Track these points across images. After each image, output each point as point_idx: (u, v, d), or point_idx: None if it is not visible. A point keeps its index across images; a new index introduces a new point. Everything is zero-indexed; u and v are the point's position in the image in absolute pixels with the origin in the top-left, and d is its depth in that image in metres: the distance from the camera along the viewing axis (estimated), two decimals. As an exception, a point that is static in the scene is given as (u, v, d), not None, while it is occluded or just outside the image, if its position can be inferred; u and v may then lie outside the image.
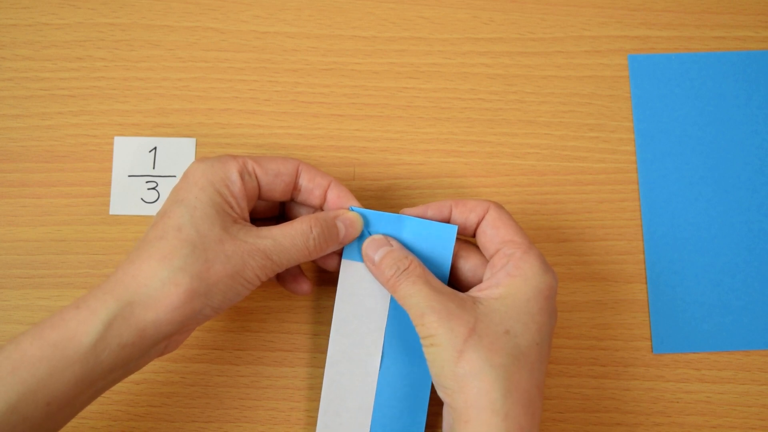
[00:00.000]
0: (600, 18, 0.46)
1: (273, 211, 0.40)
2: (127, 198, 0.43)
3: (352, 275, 0.38)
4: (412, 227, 0.37)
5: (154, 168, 0.43)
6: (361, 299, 0.37)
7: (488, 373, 0.32)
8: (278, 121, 0.44)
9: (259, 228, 0.34)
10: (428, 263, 0.37)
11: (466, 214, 0.37)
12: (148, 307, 0.31)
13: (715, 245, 0.43)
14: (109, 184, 0.43)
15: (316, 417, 0.41)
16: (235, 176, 0.34)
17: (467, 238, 0.39)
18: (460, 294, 0.34)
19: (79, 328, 0.30)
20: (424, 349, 0.34)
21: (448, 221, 0.38)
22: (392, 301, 0.37)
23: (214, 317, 0.34)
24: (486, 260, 0.37)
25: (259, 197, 0.37)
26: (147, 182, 0.43)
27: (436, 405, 0.40)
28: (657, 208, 0.44)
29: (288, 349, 0.41)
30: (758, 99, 0.45)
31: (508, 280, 0.34)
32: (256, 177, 0.36)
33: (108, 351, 0.30)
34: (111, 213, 0.43)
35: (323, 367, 0.41)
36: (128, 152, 0.43)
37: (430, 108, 0.45)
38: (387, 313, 0.37)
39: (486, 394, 0.31)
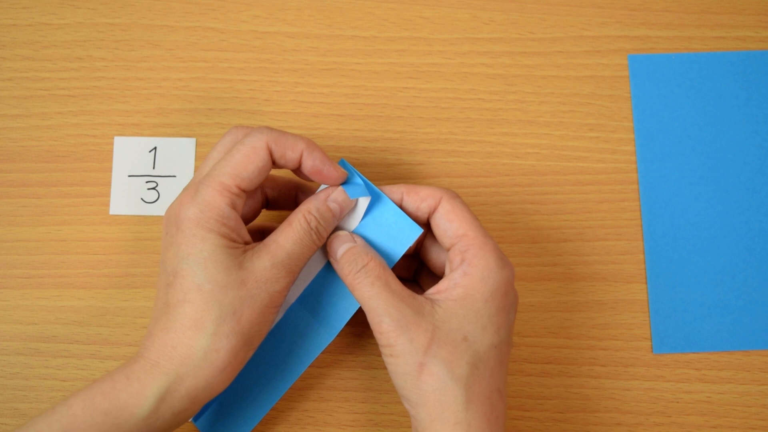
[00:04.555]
0: (600, 18, 0.46)
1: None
2: (127, 198, 0.43)
3: None
4: (385, 208, 0.36)
5: (154, 168, 0.43)
6: None
7: (450, 386, 0.32)
8: (278, 121, 0.44)
9: (267, 244, 0.34)
10: (379, 249, 0.36)
11: (417, 203, 0.36)
12: (197, 377, 0.31)
13: (715, 245, 0.43)
14: (109, 184, 0.43)
15: (316, 417, 0.41)
16: (227, 210, 0.33)
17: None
18: (419, 297, 0.34)
19: (131, 401, 0.31)
20: (384, 358, 0.34)
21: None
22: (321, 272, 0.37)
23: None
24: None
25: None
26: (147, 182, 0.43)
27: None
28: (657, 208, 0.44)
29: (288, 349, 0.41)
30: (758, 99, 0.45)
31: (465, 279, 0.33)
32: (243, 191, 0.34)
33: (161, 420, 0.31)
34: (111, 213, 0.43)
35: (322, 366, 0.41)
36: (128, 152, 0.43)
37: (430, 108, 0.45)
38: (311, 280, 0.37)
39: (448, 408, 0.32)
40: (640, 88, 0.45)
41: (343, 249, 0.35)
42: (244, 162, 0.33)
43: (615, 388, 0.42)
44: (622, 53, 0.46)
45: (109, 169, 0.43)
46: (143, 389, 0.31)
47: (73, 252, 0.42)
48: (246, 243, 0.34)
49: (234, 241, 0.33)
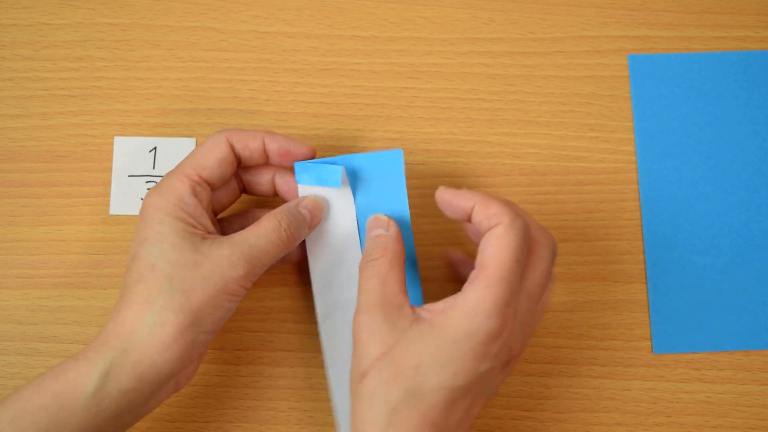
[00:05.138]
0: (600, 18, 0.46)
1: (234, 195, 0.39)
2: (127, 198, 0.43)
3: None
4: (360, 163, 0.37)
5: (154, 168, 0.43)
6: (331, 232, 0.38)
7: (376, 404, 0.31)
8: (278, 121, 0.44)
9: (231, 237, 0.34)
10: (383, 193, 0.37)
11: (481, 219, 0.34)
12: (143, 353, 0.32)
13: (715, 245, 0.43)
14: (109, 184, 0.43)
15: (316, 417, 0.41)
16: (187, 197, 0.34)
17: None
18: (406, 310, 0.33)
19: (78, 379, 0.31)
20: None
21: (468, 215, 0.36)
22: (360, 227, 0.38)
23: (213, 338, 0.35)
24: None
25: (213, 190, 0.36)
26: (147, 182, 0.43)
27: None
28: (657, 208, 0.44)
29: (288, 349, 0.41)
30: (758, 99, 0.45)
31: (453, 311, 0.32)
32: (206, 182, 0.35)
33: (109, 399, 0.31)
34: (111, 213, 0.43)
35: (323, 367, 0.41)
36: (128, 152, 0.43)
37: (430, 108, 0.45)
38: (358, 238, 0.38)
39: (370, 424, 0.31)
40: (640, 88, 0.45)
41: (374, 233, 0.36)
42: (204, 154, 0.35)
43: (615, 388, 0.42)
44: (622, 53, 0.46)
45: (109, 169, 0.43)
46: (89, 366, 0.31)
47: (73, 252, 0.42)
48: (208, 233, 0.35)
49: (193, 227, 0.34)
